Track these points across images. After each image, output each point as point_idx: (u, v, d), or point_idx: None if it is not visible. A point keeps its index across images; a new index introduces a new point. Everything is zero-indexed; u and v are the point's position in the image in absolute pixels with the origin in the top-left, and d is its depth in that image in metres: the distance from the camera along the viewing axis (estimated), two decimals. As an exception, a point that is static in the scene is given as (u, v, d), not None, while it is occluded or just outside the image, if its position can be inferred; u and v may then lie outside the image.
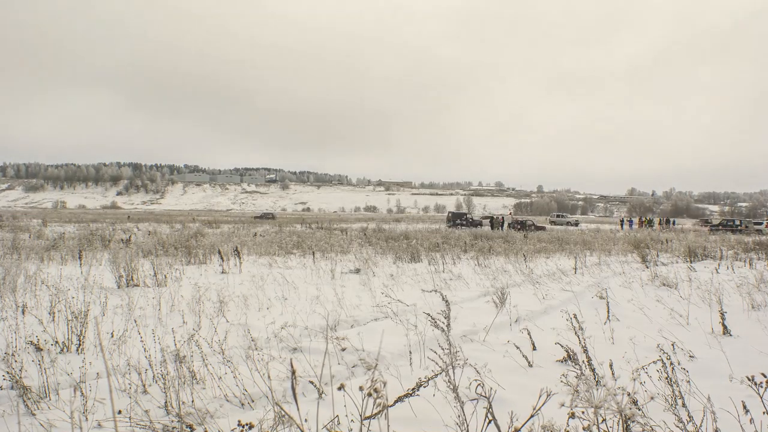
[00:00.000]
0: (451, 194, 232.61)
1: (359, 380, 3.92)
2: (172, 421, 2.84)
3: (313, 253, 13.76)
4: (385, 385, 2.01)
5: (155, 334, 4.35)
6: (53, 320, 5.49)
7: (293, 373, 2.36)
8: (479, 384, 2.54)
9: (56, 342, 4.57)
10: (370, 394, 1.98)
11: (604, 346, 4.85)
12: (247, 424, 2.22)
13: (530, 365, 4.26)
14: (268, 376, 3.34)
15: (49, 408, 3.28)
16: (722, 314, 5.49)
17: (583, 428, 1.98)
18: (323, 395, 3.47)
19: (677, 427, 2.39)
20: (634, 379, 2.56)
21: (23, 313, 5.76)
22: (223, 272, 10.38)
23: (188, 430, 2.74)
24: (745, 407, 2.39)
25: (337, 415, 2.88)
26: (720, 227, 39.15)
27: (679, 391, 3.14)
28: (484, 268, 11.47)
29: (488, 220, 37.05)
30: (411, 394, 2.51)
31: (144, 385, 3.58)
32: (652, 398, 2.36)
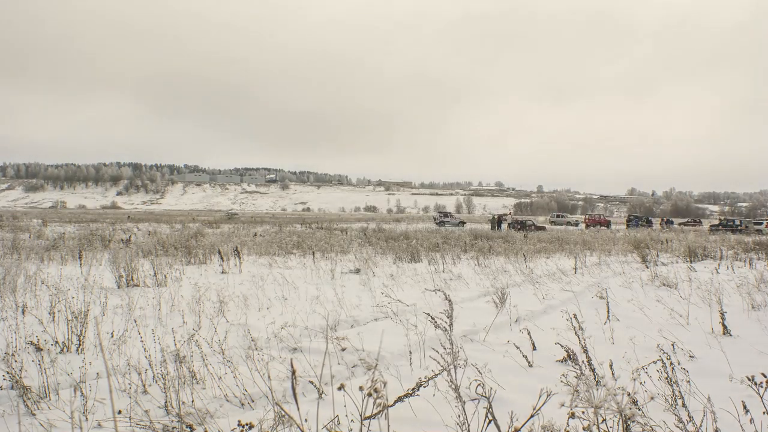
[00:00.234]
0: (451, 194, 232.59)
1: (359, 380, 3.92)
2: (172, 421, 2.84)
3: (313, 253, 13.75)
4: (385, 385, 2.01)
5: (155, 334, 4.35)
6: (53, 320, 5.49)
7: (293, 373, 2.36)
8: (479, 384, 2.55)
9: (56, 342, 4.57)
10: (370, 394, 1.98)
11: (604, 346, 4.85)
12: (247, 424, 2.22)
13: (530, 365, 4.26)
14: (268, 376, 3.34)
15: (49, 408, 3.28)
16: (722, 314, 5.49)
17: (583, 428, 1.98)
18: (323, 395, 3.47)
19: (677, 427, 2.39)
20: (634, 379, 2.56)
21: (23, 313, 5.76)
22: (223, 272, 10.37)
23: (188, 430, 2.74)
24: (745, 407, 2.39)
25: (337, 415, 2.88)
26: (720, 227, 39.14)
27: (679, 391, 3.14)
28: (484, 268, 11.47)
29: (496, 219, 36.93)
30: (411, 394, 2.51)
31: (144, 385, 3.58)
32: (652, 398, 2.36)
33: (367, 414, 2.13)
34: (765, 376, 2.26)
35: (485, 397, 2.41)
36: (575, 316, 4.30)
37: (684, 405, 3.11)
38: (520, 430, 2.10)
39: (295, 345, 4.78)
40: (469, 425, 2.57)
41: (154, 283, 8.46)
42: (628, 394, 2.06)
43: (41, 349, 4.07)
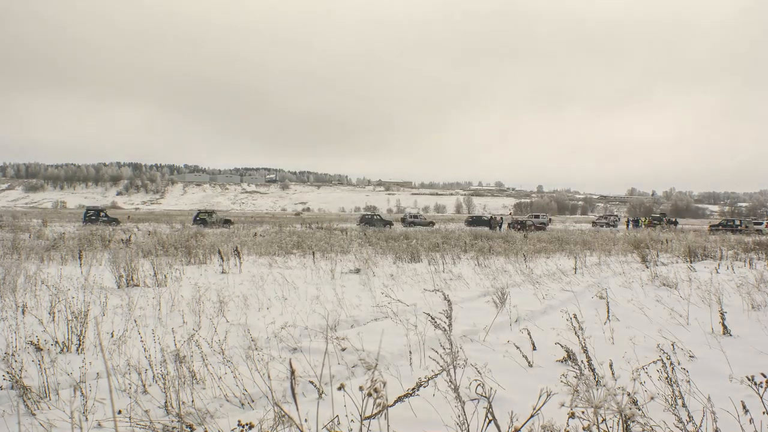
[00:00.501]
0: (451, 194, 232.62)
1: (359, 380, 3.92)
2: (172, 421, 2.84)
3: (313, 253, 13.75)
4: (384, 385, 2.01)
5: (155, 334, 4.35)
6: (53, 320, 5.49)
7: (292, 373, 2.36)
8: (479, 384, 2.55)
9: (56, 342, 4.57)
10: (370, 394, 1.98)
11: (604, 346, 4.85)
12: (247, 424, 2.22)
13: (530, 365, 4.26)
14: (268, 376, 3.34)
15: (49, 408, 3.28)
16: (722, 314, 5.49)
17: (583, 428, 1.98)
18: (323, 395, 3.47)
19: (677, 427, 2.39)
20: (634, 379, 2.56)
21: (23, 313, 5.76)
22: (223, 272, 10.37)
23: (188, 430, 2.74)
24: (745, 407, 2.39)
25: (337, 415, 2.88)
26: (720, 227, 39.14)
27: (679, 391, 3.14)
28: (484, 268, 11.47)
29: (497, 219, 36.57)
30: (411, 394, 2.51)
31: (144, 385, 3.58)
32: (652, 398, 2.36)
33: (367, 414, 2.13)
34: (765, 376, 2.26)
35: (485, 397, 2.41)
36: (575, 316, 4.30)
37: (684, 405, 3.11)
38: (520, 430, 2.10)
39: (295, 345, 4.78)
40: (468, 425, 2.57)
41: (154, 283, 8.46)
42: (628, 394, 2.06)
43: (41, 349, 4.08)
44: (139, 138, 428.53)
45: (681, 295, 7.75)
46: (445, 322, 3.65)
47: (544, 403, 2.28)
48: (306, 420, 2.83)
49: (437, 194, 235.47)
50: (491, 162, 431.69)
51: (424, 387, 2.59)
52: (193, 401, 3.31)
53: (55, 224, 31.64)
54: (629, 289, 8.58)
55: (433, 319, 3.65)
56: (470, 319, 6.04)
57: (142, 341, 4.02)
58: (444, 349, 3.34)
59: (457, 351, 3.15)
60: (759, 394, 2.24)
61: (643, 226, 42.87)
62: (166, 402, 3.21)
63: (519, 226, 35.87)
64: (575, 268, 11.39)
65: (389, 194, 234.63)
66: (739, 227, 38.52)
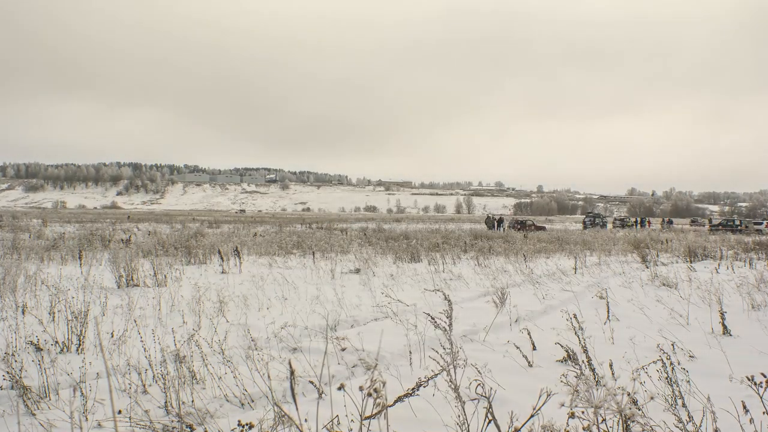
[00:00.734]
0: (451, 194, 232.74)
1: (359, 380, 3.92)
2: (172, 421, 2.84)
3: (313, 253, 13.75)
4: (384, 385, 2.01)
5: (155, 334, 4.35)
6: (53, 320, 5.49)
7: (292, 373, 2.36)
8: (479, 384, 2.55)
9: (56, 342, 4.57)
10: (370, 394, 1.98)
11: (604, 346, 4.85)
12: (247, 424, 2.22)
13: (530, 365, 4.26)
14: (268, 376, 3.34)
15: (49, 408, 3.28)
16: (722, 314, 5.49)
17: (583, 428, 1.98)
18: (323, 395, 3.47)
19: (677, 427, 2.39)
20: (634, 379, 2.56)
21: (23, 313, 5.76)
22: (223, 272, 10.38)
23: (188, 430, 2.74)
24: (745, 407, 2.39)
25: (337, 415, 2.88)
26: (720, 227, 39.15)
27: (679, 391, 3.14)
28: (484, 268, 11.47)
29: (496, 219, 36.26)
30: (411, 394, 2.51)
31: (144, 385, 3.58)
32: (652, 398, 2.36)
33: (367, 414, 2.12)
34: (765, 376, 2.26)
35: (485, 397, 2.41)
36: (575, 316, 4.30)
37: (684, 405, 3.11)
38: (520, 430, 2.10)
39: (295, 345, 4.78)
40: (468, 425, 2.57)
41: (154, 283, 8.46)
42: (628, 394, 2.06)
43: (41, 349, 4.07)
44: (139, 138, 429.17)
45: (681, 295, 7.75)
46: (445, 322, 3.65)
47: (544, 403, 2.28)
48: (306, 420, 2.83)
49: (437, 194, 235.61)
50: (491, 162, 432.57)
51: (424, 387, 2.59)
52: (193, 401, 3.31)
53: (55, 225, 31.64)
54: (629, 289, 8.58)
55: (433, 319, 3.65)
56: (470, 319, 6.04)
57: (142, 341, 4.02)
58: (444, 349, 3.34)
59: (457, 351, 3.15)
60: (759, 394, 2.24)
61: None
62: (166, 402, 3.21)
63: (519, 226, 35.87)
64: (575, 268, 11.39)
65: (389, 194, 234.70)
66: (739, 227, 38.54)
